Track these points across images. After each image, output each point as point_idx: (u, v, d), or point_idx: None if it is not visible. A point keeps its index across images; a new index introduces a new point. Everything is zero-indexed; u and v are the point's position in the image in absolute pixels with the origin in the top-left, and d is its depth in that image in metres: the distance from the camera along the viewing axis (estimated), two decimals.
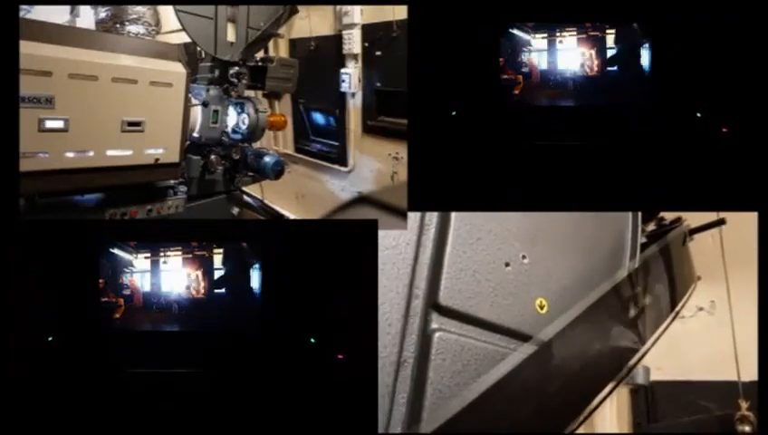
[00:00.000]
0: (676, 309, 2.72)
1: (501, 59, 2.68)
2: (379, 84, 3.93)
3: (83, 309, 2.88)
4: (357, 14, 3.94)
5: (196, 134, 2.83)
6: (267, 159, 3.00)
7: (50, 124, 2.00)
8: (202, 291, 3.05)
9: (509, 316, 1.81)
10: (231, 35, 2.85)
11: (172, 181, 2.73)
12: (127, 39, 3.86)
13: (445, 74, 2.55)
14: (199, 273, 3.05)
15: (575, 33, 2.68)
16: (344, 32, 4.05)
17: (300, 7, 3.33)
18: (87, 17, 5.05)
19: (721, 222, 3.26)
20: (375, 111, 4.02)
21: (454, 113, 2.60)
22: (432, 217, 1.74)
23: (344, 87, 4.14)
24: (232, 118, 2.98)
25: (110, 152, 2.23)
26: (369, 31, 3.91)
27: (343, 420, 2.43)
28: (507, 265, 1.86)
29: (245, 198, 3.49)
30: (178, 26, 2.66)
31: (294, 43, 4.62)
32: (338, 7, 4.09)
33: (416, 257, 1.68)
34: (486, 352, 1.72)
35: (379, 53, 3.84)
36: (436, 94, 2.54)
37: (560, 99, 2.73)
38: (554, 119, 2.70)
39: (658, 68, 2.62)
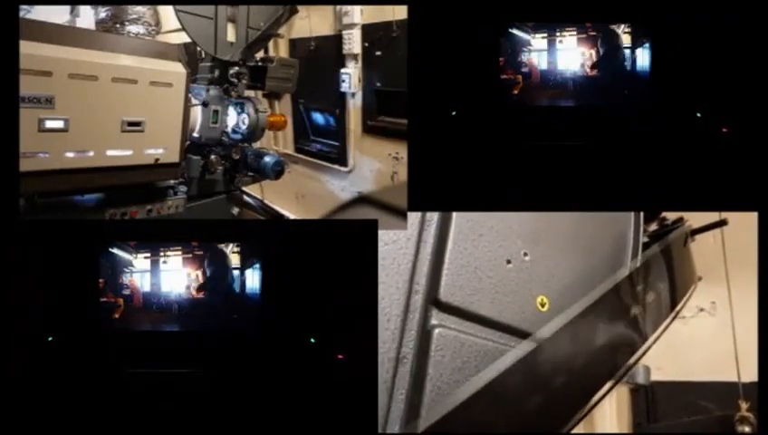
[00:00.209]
0: (677, 309, 2.72)
1: (501, 59, 2.68)
2: (379, 84, 3.93)
3: (83, 309, 2.88)
4: (357, 14, 3.94)
5: (196, 134, 2.83)
6: (267, 159, 3.00)
7: (50, 124, 2.00)
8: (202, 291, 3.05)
9: (510, 313, 1.80)
10: (231, 35, 2.85)
11: (172, 181, 2.73)
12: (127, 39, 3.86)
13: (445, 74, 2.55)
14: (199, 273, 3.05)
15: (575, 33, 2.68)
16: (344, 32, 4.06)
17: (300, 7, 3.34)
18: (87, 17, 5.05)
19: (722, 223, 3.26)
20: (375, 111, 4.02)
21: (454, 113, 2.60)
22: (434, 214, 1.74)
23: (344, 87, 4.14)
24: (232, 118, 2.98)
25: (110, 152, 2.23)
26: (369, 31, 3.91)
27: (343, 420, 2.42)
28: (509, 262, 1.86)
29: (245, 198, 3.49)
30: (178, 26, 2.66)
31: (294, 43, 4.63)
32: (338, 7, 4.09)
33: (416, 253, 1.68)
34: (486, 349, 1.72)
35: (379, 53, 3.84)
36: (436, 94, 2.54)
37: (560, 99, 2.72)
38: (554, 119, 2.69)
39: (658, 68, 2.62)
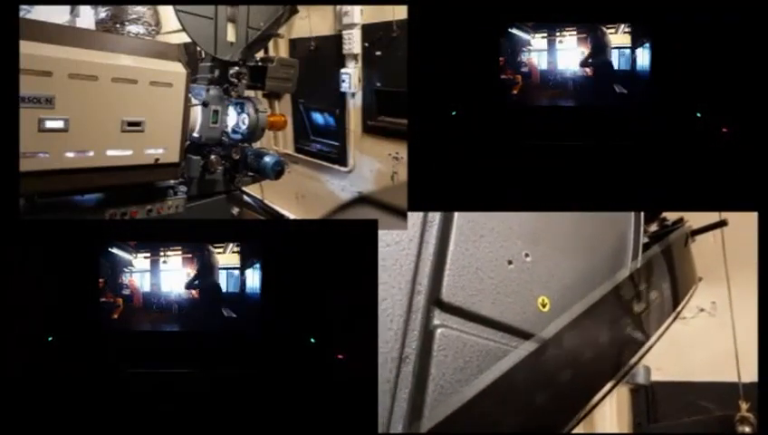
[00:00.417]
0: (678, 309, 2.72)
1: (501, 59, 2.68)
2: (379, 84, 3.93)
3: (83, 309, 2.88)
4: (357, 14, 3.94)
5: (196, 134, 2.83)
6: (267, 159, 3.00)
7: (50, 124, 2.00)
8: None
9: (511, 314, 1.81)
10: (231, 35, 2.85)
11: (172, 181, 2.73)
12: (127, 39, 3.86)
13: (445, 74, 2.55)
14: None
15: (575, 32, 2.68)
16: (344, 32, 4.06)
17: (300, 7, 3.33)
18: (87, 17, 5.05)
19: (722, 223, 3.25)
20: (375, 111, 4.02)
21: (454, 113, 2.60)
22: (435, 214, 1.74)
23: (344, 87, 4.14)
24: (232, 118, 2.98)
25: (110, 152, 2.23)
26: (369, 31, 3.91)
27: (343, 420, 2.42)
28: (510, 262, 1.86)
29: (245, 198, 3.48)
30: (178, 26, 2.66)
31: (294, 43, 4.63)
32: (338, 7, 4.09)
33: (419, 254, 1.68)
34: (488, 349, 1.72)
35: (379, 53, 3.84)
36: (436, 94, 2.54)
37: (559, 99, 2.72)
38: (554, 119, 2.69)
39: (658, 68, 2.62)
